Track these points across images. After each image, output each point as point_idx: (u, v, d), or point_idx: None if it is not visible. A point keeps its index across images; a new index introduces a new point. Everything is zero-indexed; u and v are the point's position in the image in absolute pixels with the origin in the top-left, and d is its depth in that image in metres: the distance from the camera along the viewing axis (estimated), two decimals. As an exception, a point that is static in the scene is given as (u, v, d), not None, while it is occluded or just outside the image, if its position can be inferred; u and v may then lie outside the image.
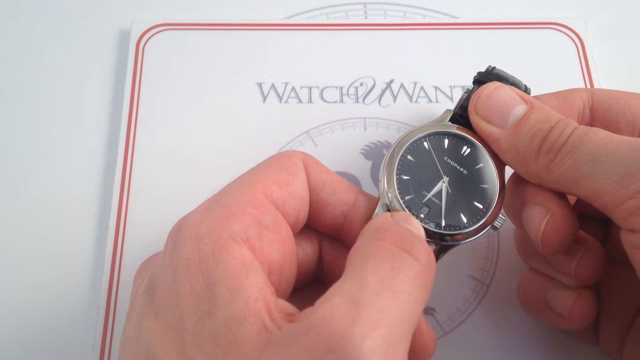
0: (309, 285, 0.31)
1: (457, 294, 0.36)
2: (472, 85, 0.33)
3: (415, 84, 0.42)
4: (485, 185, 0.30)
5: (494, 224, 0.30)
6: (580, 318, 0.30)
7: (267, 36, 0.43)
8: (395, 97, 0.42)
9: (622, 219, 0.26)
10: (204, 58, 0.43)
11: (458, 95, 0.41)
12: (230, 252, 0.24)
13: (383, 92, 0.42)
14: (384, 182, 0.29)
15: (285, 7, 0.45)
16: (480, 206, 0.29)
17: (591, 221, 0.33)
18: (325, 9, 0.45)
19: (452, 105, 0.34)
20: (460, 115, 0.32)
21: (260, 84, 0.42)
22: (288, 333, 0.22)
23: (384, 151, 0.40)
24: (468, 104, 0.31)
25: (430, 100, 0.41)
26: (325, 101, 0.41)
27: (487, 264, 0.36)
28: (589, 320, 0.31)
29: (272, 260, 0.26)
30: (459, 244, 0.29)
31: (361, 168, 0.39)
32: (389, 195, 0.29)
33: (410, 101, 0.41)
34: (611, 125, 0.31)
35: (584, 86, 0.42)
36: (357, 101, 0.41)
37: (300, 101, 0.41)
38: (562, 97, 0.32)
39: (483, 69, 0.33)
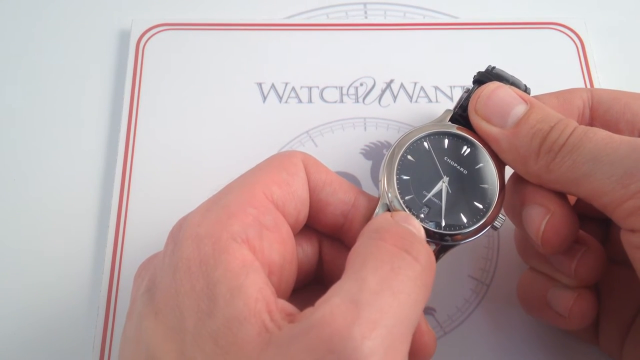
0: (309, 285, 0.31)
1: (457, 294, 0.36)
2: (472, 85, 0.33)
3: (415, 84, 0.42)
4: (485, 185, 0.30)
5: (494, 224, 0.30)
6: (580, 318, 0.30)
7: (267, 36, 0.43)
8: (395, 97, 0.42)
9: (622, 219, 0.26)
10: (204, 58, 0.43)
11: (458, 95, 0.41)
12: (230, 252, 0.24)
13: (383, 92, 0.42)
14: (384, 182, 0.29)
15: (285, 7, 0.45)
16: (480, 206, 0.29)
17: (591, 221, 0.33)
18: (325, 9, 0.45)
19: (452, 105, 0.34)
20: (460, 115, 0.32)
21: (260, 84, 0.42)
22: (288, 333, 0.22)
23: (384, 151, 0.40)
24: (468, 103, 0.31)
25: (430, 100, 0.41)
26: (325, 101, 0.41)
27: (487, 264, 0.36)
28: (589, 320, 0.31)
29: (273, 260, 0.26)
30: (459, 244, 0.29)
31: (361, 168, 0.39)
32: (389, 195, 0.29)
33: (410, 101, 0.41)
34: (611, 125, 0.31)
35: (584, 86, 0.42)
36: (357, 101, 0.41)
37: (300, 101, 0.41)
38: (562, 97, 0.32)
39: (483, 69, 0.33)
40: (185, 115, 0.41)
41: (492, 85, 0.31)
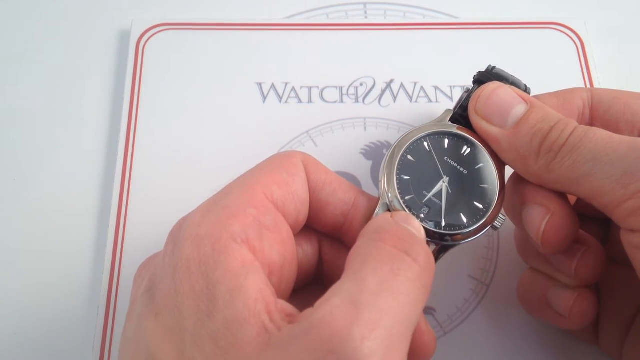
0: (309, 285, 0.31)
1: (457, 294, 0.36)
2: (472, 85, 0.33)
3: (415, 84, 0.42)
4: (485, 185, 0.30)
5: (494, 224, 0.30)
6: (581, 318, 0.30)
7: (267, 36, 0.43)
8: (395, 97, 0.42)
9: (622, 219, 0.26)
10: (204, 58, 0.43)
11: (458, 95, 0.41)
12: (230, 253, 0.24)
13: (383, 92, 0.42)
14: (384, 182, 0.29)
15: (285, 7, 0.45)
16: (480, 206, 0.29)
17: (591, 221, 0.33)
18: (325, 9, 0.45)
19: (452, 105, 0.34)
20: (460, 115, 0.32)
21: (260, 84, 0.42)
22: (288, 334, 0.22)
23: (384, 151, 0.40)
24: (468, 103, 0.31)
25: (430, 100, 0.41)
26: (325, 101, 0.41)
27: (487, 264, 0.36)
28: (589, 320, 0.31)
29: (272, 260, 0.26)
30: (459, 244, 0.29)
31: (361, 168, 0.39)
32: (389, 195, 0.29)
33: (410, 101, 0.41)
34: (611, 125, 0.31)
35: (584, 86, 0.42)
36: (357, 101, 0.41)
37: (300, 101, 0.41)
38: (562, 97, 0.32)
39: (483, 69, 0.33)
40: (185, 115, 0.41)
41: (492, 85, 0.31)
